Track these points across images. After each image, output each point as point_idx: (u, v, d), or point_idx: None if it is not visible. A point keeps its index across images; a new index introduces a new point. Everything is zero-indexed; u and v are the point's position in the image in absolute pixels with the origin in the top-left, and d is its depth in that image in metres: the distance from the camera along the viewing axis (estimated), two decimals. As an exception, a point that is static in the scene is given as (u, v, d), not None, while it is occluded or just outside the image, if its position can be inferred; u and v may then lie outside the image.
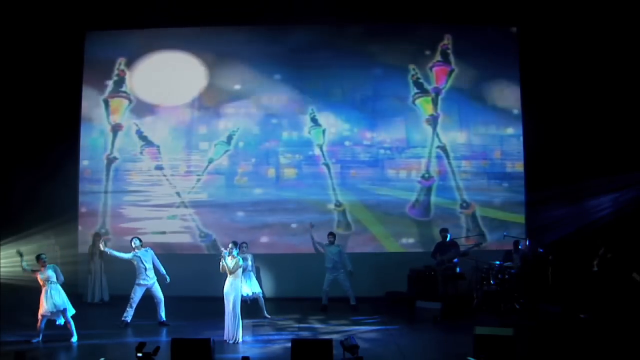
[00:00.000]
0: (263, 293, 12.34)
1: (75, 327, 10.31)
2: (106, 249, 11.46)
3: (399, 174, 14.49)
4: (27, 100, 13.70)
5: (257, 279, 12.29)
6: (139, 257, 11.34)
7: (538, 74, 14.03)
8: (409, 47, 14.55)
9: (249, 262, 11.97)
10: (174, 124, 14.58)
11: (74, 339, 10.20)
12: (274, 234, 14.17)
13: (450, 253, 12.74)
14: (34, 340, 10.10)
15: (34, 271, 10.28)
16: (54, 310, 10.11)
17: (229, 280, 10.24)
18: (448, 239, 12.99)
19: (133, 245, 11.40)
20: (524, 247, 12.81)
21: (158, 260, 11.54)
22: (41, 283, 10.21)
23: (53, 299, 10.11)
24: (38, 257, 10.34)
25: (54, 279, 10.20)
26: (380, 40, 14.50)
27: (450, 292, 12.74)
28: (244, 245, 12.10)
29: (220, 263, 10.26)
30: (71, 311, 10.31)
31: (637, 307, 10.99)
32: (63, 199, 14.01)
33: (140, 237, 11.70)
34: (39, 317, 10.15)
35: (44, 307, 10.08)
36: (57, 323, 10.24)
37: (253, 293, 11.97)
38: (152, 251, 11.56)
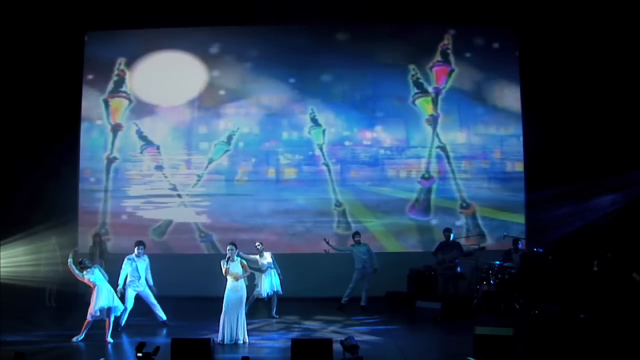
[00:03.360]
0: (280, 292, 12.16)
1: (76, 327, 10.30)
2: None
3: (399, 174, 14.50)
4: (28, 101, 13.70)
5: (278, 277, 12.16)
6: (136, 265, 11.24)
7: (538, 73, 14.03)
8: (409, 47, 14.55)
9: (270, 260, 12.01)
10: (174, 124, 14.57)
11: (109, 339, 10.19)
12: (273, 234, 14.16)
13: (451, 253, 12.81)
14: (75, 339, 10.12)
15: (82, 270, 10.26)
16: (100, 312, 10.17)
17: (231, 282, 10.10)
18: (451, 238, 13.07)
19: (136, 252, 11.26)
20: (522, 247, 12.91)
21: (150, 271, 11.42)
22: (91, 286, 10.28)
23: (100, 300, 10.14)
24: (81, 263, 10.35)
25: (100, 282, 10.24)
26: (380, 40, 14.50)
27: (450, 292, 12.79)
28: (259, 244, 12.08)
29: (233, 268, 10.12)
30: (117, 311, 10.39)
31: (637, 307, 10.99)
32: (63, 199, 14.01)
33: (144, 242, 11.58)
34: (88, 316, 10.18)
35: (93, 308, 10.14)
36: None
37: (273, 291, 11.94)
38: (148, 260, 11.45)
